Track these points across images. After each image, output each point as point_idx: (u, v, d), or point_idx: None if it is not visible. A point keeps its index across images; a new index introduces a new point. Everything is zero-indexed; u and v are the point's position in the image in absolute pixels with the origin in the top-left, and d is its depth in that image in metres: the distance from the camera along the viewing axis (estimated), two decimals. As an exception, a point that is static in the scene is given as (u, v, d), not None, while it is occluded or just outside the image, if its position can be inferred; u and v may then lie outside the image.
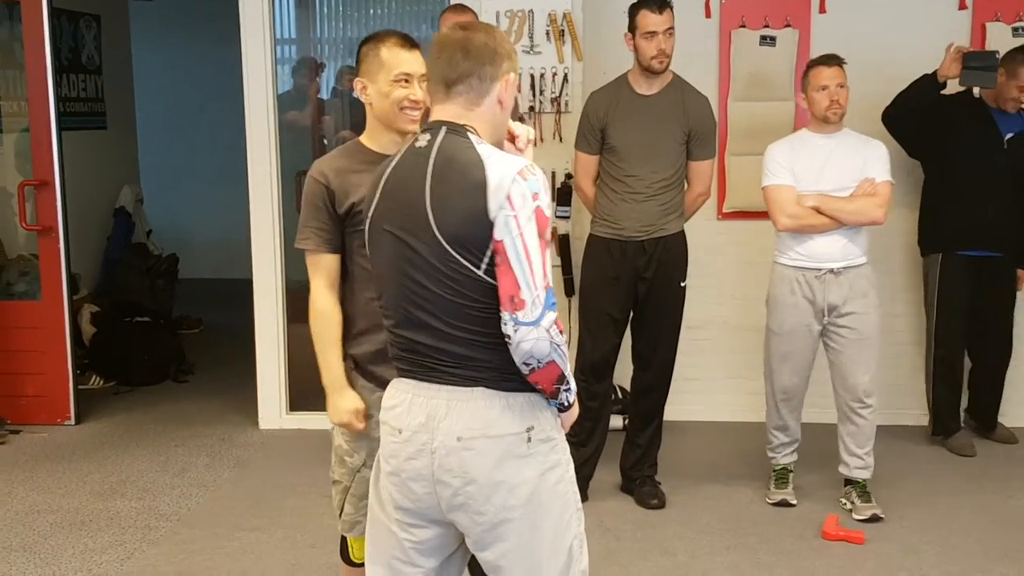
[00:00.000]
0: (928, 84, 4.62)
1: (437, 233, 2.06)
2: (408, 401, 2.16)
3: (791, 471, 4.35)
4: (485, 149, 2.10)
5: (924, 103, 4.66)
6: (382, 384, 2.72)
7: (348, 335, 2.73)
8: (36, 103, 5.29)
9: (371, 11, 5.33)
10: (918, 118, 4.71)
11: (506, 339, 2.05)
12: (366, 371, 2.74)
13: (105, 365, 6.13)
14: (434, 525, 2.21)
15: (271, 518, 4.20)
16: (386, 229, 2.15)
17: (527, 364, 2.06)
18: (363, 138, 2.81)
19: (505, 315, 2.03)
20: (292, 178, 5.32)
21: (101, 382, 6.07)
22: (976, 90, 4.76)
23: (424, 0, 6.61)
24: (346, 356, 2.74)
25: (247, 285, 5.32)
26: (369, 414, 2.72)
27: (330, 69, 6.63)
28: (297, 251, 2.78)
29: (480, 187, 2.03)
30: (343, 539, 2.97)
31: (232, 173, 6.00)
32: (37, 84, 5.27)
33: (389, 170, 2.19)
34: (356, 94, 2.74)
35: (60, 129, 5.33)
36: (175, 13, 8.89)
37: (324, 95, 6.50)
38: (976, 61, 4.53)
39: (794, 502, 4.26)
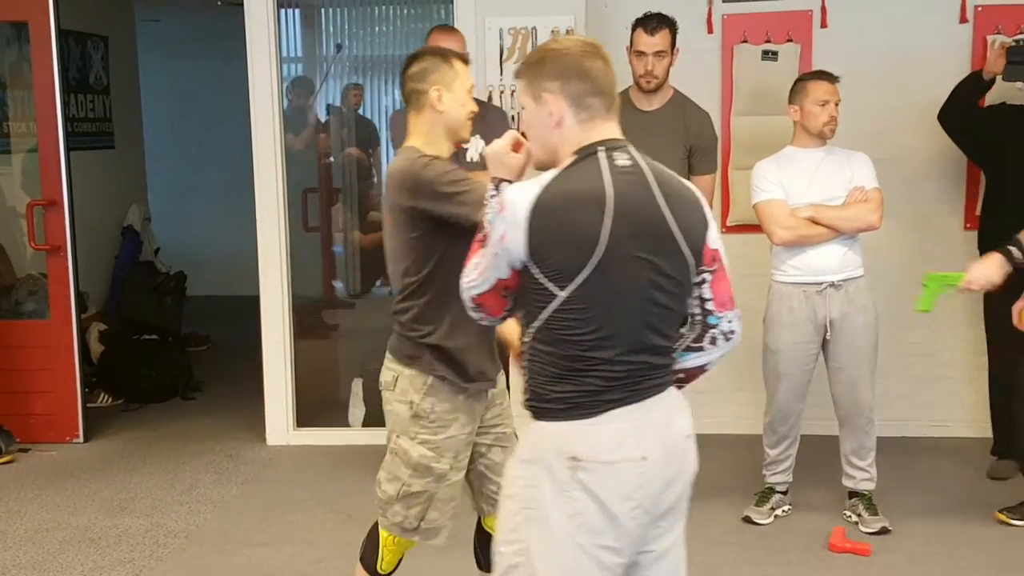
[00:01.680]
0: (975, 81, 4.62)
1: (687, 251, 2.11)
2: (637, 428, 2.11)
3: (778, 492, 4.28)
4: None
5: (972, 100, 4.64)
6: (467, 377, 2.74)
7: (440, 326, 2.69)
8: (44, 123, 5.34)
9: (376, 29, 5.35)
10: (971, 120, 4.67)
11: (726, 336, 2.23)
12: (457, 363, 2.72)
13: (113, 383, 6.17)
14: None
15: (279, 534, 4.21)
16: (634, 255, 2.04)
17: (723, 357, 2.26)
18: (421, 144, 2.76)
19: (730, 314, 2.22)
20: (299, 195, 5.35)
21: (109, 400, 6.10)
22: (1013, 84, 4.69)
23: (429, 18, 6.67)
24: (436, 347, 2.70)
25: (254, 302, 5.33)
26: (455, 416, 2.74)
27: (335, 87, 6.67)
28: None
29: (700, 203, 2.18)
30: (370, 549, 2.90)
31: (239, 191, 6.02)
32: (45, 104, 5.32)
33: (611, 192, 2.03)
34: (433, 102, 2.71)
35: (68, 149, 5.37)
36: (182, 33, 8.96)
37: (328, 113, 6.53)
38: (1018, 56, 4.51)
39: (761, 521, 4.19)
